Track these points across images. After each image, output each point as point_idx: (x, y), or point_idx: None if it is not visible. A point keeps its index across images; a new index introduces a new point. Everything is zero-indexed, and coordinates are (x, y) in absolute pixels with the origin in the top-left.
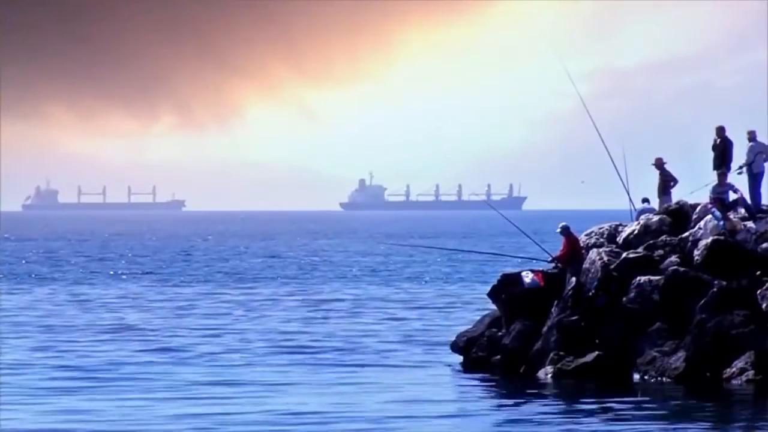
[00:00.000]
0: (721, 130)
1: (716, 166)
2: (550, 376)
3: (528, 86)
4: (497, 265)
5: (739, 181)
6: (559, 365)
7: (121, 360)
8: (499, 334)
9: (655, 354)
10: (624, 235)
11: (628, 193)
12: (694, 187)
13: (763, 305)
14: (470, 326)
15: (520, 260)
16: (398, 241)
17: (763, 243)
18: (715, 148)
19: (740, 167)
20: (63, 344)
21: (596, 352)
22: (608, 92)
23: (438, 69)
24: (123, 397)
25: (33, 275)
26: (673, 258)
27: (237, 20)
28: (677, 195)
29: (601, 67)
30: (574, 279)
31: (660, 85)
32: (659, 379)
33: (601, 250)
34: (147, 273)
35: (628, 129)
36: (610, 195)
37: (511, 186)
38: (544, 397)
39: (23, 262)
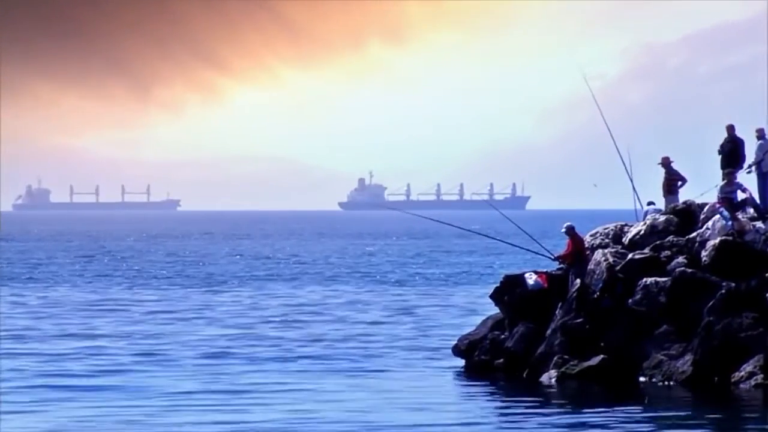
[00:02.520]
0: (731, 129)
1: (723, 166)
2: (554, 379)
3: (535, 79)
4: (499, 266)
5: (748, 180)
6: (563, 369)
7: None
8: (502, 337)
9: (662, 357)
10: (630, 235)
11: (635, 191)
12: (708, 186)
13: None
14: (472, 329)
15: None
16: (397, 242)
17: None
18: (722, 148)
19: (749, 166)
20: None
21: (601, 356)
22: (643, 71)
23: (441, 59)
24: (112, 405)
25: None
26: (680, 259)
27: (229, 8)
28: (687, 195)
29: (638, 43)
30: (578, 280)
31: (702, 62)
32: (666, 383)
33: (606, 250)
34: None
35: (659, 113)
36: (616, 195)
37: (514, 185)
38: (548, 401)
39: None
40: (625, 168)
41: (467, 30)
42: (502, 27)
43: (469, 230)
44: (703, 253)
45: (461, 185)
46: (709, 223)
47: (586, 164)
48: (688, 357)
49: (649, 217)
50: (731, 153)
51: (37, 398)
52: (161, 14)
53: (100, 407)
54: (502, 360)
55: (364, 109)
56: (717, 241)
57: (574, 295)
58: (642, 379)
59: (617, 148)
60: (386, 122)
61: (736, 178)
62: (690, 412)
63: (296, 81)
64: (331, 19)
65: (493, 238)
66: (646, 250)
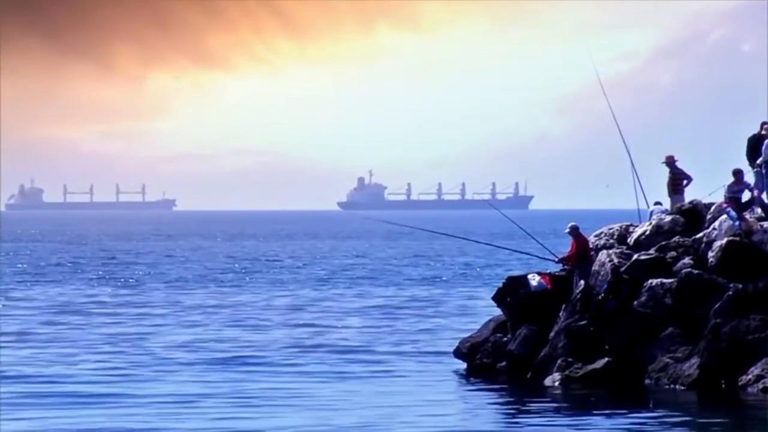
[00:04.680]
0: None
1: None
2: (557, 383)
3: (548, 69)
4: (501, 267)
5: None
6: (567, 372)
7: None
8: (505, 339)
9: (668, 360)
10: (635, 235)
11: (642, 189)
12: (717, 185)
13: None
14: (474, 331)
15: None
16: (397, 242)
17: None
18: (752, 147)
19: (757, 165)
20: None
21: (606, 359)
22: (677, 50)
23: (450, 50)
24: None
25: None
26: (687, 260)
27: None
28: (694, 194)
29: (677, 15)
30: (582, 282)
31: (746, 37)
32: (672, 386)
33: (611, 251)
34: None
35: (691, 97)
36: (620, 194)
37: (516, 185)
38: (552, 405)
39: None
40: (631, 164)
41: (483, 16)
42: (522, 9)
43: (445, 233)
44: (710, 254)
45: (463, 184)
46: (716, 224)
47: (593, 161)
48: (695, 360)
49: (654, 217)
50: (753, 151)
51: (38, 400)
52: (152, 8)
53: (98, 414)
54: (504, 363)
55: (364, 102)
56: (724, 241)
57: (578, 296)
58: (647, 382)
59: (624, 143)
60: (387, 117)
61: (744, 177)
62: (696, 416)
63: (293, 73)
64: (328, 6)
65: (481, 243)
66: (652, 251)
